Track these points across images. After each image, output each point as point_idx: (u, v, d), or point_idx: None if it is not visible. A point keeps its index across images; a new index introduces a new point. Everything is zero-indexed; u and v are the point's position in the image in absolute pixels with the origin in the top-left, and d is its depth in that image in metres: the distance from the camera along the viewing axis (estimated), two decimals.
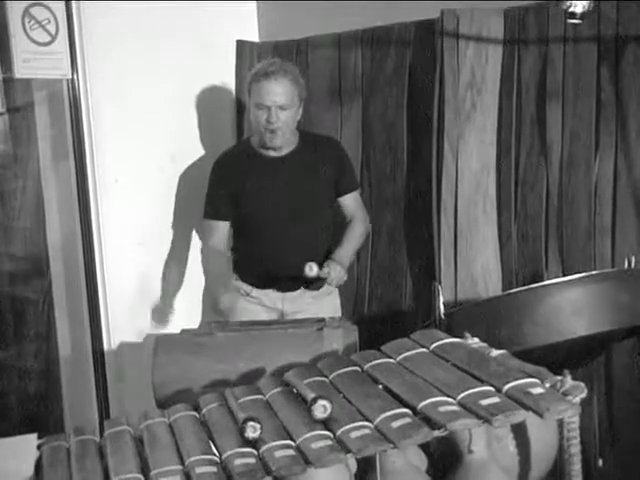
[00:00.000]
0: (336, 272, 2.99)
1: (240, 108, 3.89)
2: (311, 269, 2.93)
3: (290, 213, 3.11)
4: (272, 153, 3.12)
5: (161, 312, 3.67)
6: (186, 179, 3.74)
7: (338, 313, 3.22)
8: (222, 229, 3.21)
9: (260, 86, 2.99)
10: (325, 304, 3.17)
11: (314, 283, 3.11)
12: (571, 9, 2.37)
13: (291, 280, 3.10)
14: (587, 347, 2.56)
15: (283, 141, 3.08)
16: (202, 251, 3.73)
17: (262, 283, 3.18)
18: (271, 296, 3.19)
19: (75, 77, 3.32)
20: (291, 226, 3.11)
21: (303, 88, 3.10)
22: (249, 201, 3.15)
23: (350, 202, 3.24)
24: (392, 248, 3.52)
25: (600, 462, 2.81)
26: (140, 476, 1.64)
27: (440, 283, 3.07)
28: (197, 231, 3.76)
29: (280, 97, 2.99)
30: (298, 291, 3.17)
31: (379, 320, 3.53)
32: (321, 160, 3.16)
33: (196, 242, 3.79)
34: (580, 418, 1.65)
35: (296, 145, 3.16)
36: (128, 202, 3.55)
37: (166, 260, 3.73)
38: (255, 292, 3.20)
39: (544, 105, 3.03)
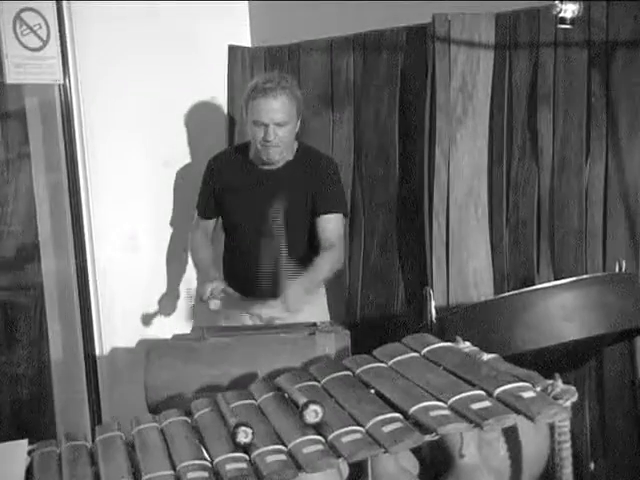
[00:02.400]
0: (290, 295, 2.82)
1: (232, 113, 3.89)
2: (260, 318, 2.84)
3: (266, 224, 3.08)
4: (266, 166, 3.11)
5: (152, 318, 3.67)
6: (179, 183, 3.74)
7: (326, 316, 3.20)
8: (207, 226, 3.24)
9: (257, 103, 2.95)
10: (311, 308, 3.12)
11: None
12: (561, 14, 2.39)
13: (275, 288, 3.03)
14: (578, 351, 2.57)
15: (280, 156, 3.06)
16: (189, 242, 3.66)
17: (247, 290, 3.15)
18: (253, 303, 3.17)
19: (67, 82, 3.32)
20: (267, 236, 3.07)
21: (301, 102, 3.06)
22: (229, 206, 3.14)
23: (326, 225, 3.06)
24: (384, 253, 3.52)
25: (592, 466, 2.81)
26: None
27: (432, 287, 3.08)
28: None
29: (278, 114, 2.95)
30: (280, 298, 3.10)
31: (371, 324, 3.53)
32: (306, 176, 3.10)
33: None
34: (571, 422, 1.66)
35: (291, 159, 3.13)
36: (120, 207, 3.55)
37: (164, 266, 3.73)
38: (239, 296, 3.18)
39: (535, 110, 3.05)
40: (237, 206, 3.14)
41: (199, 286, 3.06)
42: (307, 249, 3.12)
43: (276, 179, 3.10)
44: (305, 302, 2.90)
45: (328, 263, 3.02)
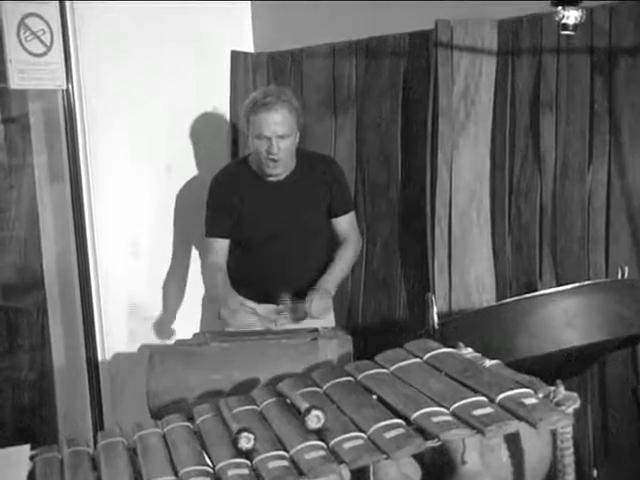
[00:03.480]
0: (316, 305, 2.95)
1: (234, 118, 3.89)
2: (285, 304, 3.00)
3: (286, 236, 3.11)
4: (271, 178, 3.12)
5: (163, 325, 3.67)
6: (182, 190, 3.74)
7: (332, 323, 3.21)
8: (222, 246, 3.20)
9: (259, 118, 2.99)
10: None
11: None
12: (564, 21, 2.39)
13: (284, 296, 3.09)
14: (581, 357, 2.56)
15: (284, 169, 3.09)
16: (201, 267, 3.69)
17: (256, 299, 3.16)
18: (265, 307, 3.19)
19: (70, 88, 3.33)
20: (286, 248, 3.11)
21: (300, 114, 3.11)
22: (246, 223, 3.15)
23: (344, 223, 3.22)
24: (386, 258, 3.52)
25: (594, 473, 2.81)
26: None
27: (434, 293, 3.07)
28: (194, 243, 3.75)
29: (280, 127, 2.99)
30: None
31: (373, 330, 3.53)
32: (316, 182, 3.16)
33: (194, 252, 3.78)
34: (574, 428, 1.66)
35: (294, 168, 3.15)
36: (123, 212, 3.55)
37: (167, 273, 3.73)
38: (249, 302, 3.19)
39: (538, 115, 3.05)
40: (254, 221, 3.14)
41: (222, 308, 3.04)
42: (326, 252, 3.18)
43: (286, 189, 3.13)
44: (329, 307, 3.06)
45: (347, 257, 3.18)
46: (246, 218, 3.15)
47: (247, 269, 3.16)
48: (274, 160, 3.02)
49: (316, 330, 2.58)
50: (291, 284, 3.09)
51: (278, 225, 3.13)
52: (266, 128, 2.98)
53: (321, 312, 2.99)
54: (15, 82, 3.16)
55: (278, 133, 2.99)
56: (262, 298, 3.13)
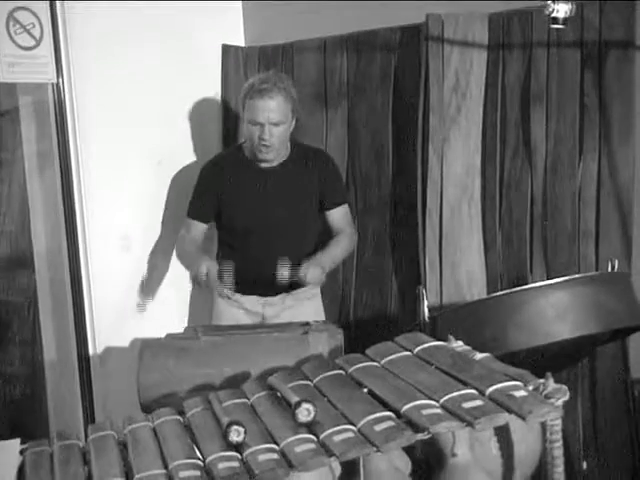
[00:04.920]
0: (312, 272, 2.97)
1: (226, 112, 3.89)
2: (282, 276, 2.95)
3: (274, 223, 3.12)
4: (263, 164, 3.13)
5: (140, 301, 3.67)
6: (173, 183, 3.73)
7: (321, 316, 3.22)
8: (199, 230, 3.22)
9: (253, 103, 3.01)
10: (307, 308, 3.16)
11: (294, 286, 3.10)
12: (554, 14, 2.39)
13: (272, 287, 3.09)
14: (571, 350, 2.58)
15: (276, 155, 3.09)
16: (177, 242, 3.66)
17: (244, 289, 3.17)
18: (252, 300, 3.19)
19: (60, 81, 3.31)
20: (274, 236, 3.12)
21: (296, 102, 3.12)
22: (234, 208, 3.15)
23: (338, 216, 3.23)
24: (378, 252, 3.53)
25: (584, 465, 2.82)
26: None
27: (425, 287, 3.08)
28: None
29: (274, 114, 3.00)
30: (279, 296, 3.17)
31: (365, 324, 3.54)
32: (310, 173, 3.17)
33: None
34: (564, 421, 1.66)
35: (287, 157, 3.17)
36: (114, 206, 3.54)
37: (150, 258, 3.72)
38: (237, 296, 3.20)
39: (528, 109, 3.05)
40: (242, 206, 3.15)
41: (193, 269, 3.04)
42: (314, 246, 3.17)
43: (278, 177, 3.14)
44: (324, 277, 3.03)
45: (341, 244, 3.18)
46: (235, 203, 3.15)
47: (235, 259, 3.16)
48: (266, 146, 3.02)
49: (307, 324, 2.58)
50: (273, 276, 3.03)
51: (267, 211, 3.13)
52: (260, 114, 2.99)
53: (314, 279, 2.99)
54: (4, 76, 3.15)
55: (271, 120, 3.00)
56: (249, 289, 3.14)
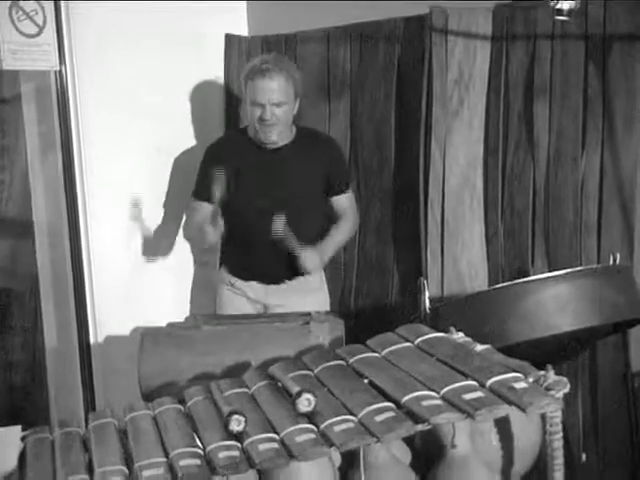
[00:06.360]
0: (310, 258, 3.01)
1: (229, 102, 3.88)
2: (277, 229, 2.98)
3: (278, 206, 3.11)
4: (266, 145, 3.12)
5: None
6: (175, 169, 3.73)
7: (326, 308, 3.22)
8: (205, 211, 3.15)
9: (255, 84, 3.00)
10: (311, 300, 3.15)
11: (296, 273, 3.10)
12: (558, 6, 2.39)
13: (276, 273, 3.09)
14: (572, 343, 2.58)
15: (278, 136, 3.08)
16: (183, 228, 3.65)
17: (247, 275, 3.18)
18: (255, 288, 3.19)
19: (63, 69, 3.31)
20: (280, 217, 3.10)
21: (299, 83, 3.11)
22: (237, 189, 3.12)
23: (343, 203, 3.25)
24: (379, 243, 3.53)
25: (584, 457, 2.82)
26: (124, 468, 1.64)
27: (427, 278, 3.08)
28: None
29: (275, 95, 3.00)
30: (282, 285, 3.17)
31: (366, 314, 3.54)
32: (315, 157, 3.17)
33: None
34: (564, 413, 1.67)
35: (292, 140, 3.16)
36: (116, 193, 3.54)
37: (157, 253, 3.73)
38: (239, 283, 3.20)
39: (531, 101, 3.04)
40: (244, 188, 3.13)
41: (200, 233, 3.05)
42: (320, 230, 3.17)
43: (282, 159, 3.14)
44: (322, 265, 3.10)
45: (343, 231, 3.23)
46: (238, 184, 3.11)
47: (236, 243, 3.16)
48: (267, 126, 3.02)
49: (308, 314, 2.58)
50: (282, 260, 3.07)
51: (268, 193, 3.11)
52: (261, 95, 2.99)
53: (312, 265, 3.03)
54: (7, 63, 3.14)
55: (273, 100, 2.99)
56: (252, 275, 3.14)
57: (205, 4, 3.70)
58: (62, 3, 3.28)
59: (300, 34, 3.69)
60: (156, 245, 3.69)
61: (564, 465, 1.69)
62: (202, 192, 3.16)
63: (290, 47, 3.73)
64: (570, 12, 2.39)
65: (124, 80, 3.49)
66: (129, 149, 3.55)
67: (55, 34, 3.25)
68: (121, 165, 3.54)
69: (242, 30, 3.93)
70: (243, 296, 3.22)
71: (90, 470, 1.68)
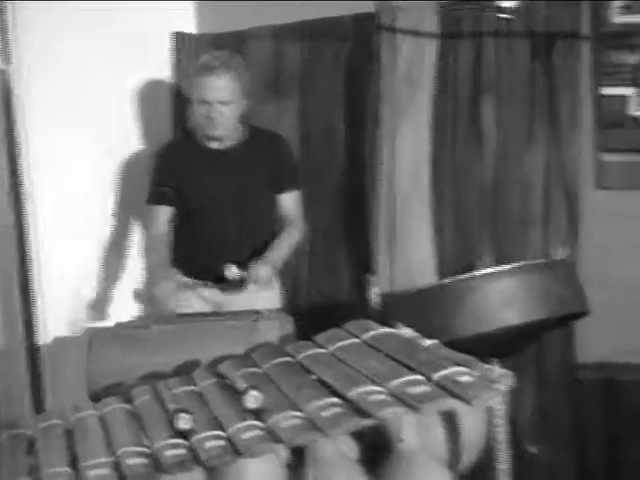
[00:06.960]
0: (260, 271, 2.98)
1: (177, 101, 3.85)
2: (229, 270, 2.95)
3: (229, 206, 3.10)
4: (215, 145, 3.11)
5: (98, 305, 3.63)
6: (124, 171, 3.70)
7: (277, 305, 3.22)
8: (164, 216, 3.14)
9: (201, 81, 2.99)
10: (263, 297, 3.15)
11: (238, 284, 3.10)
12: (501, 5, 2.42)
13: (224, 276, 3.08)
14: (519, 337, 2.61)
15: (223, 132, 3.07)
16: (143, 240, 3.65)
17: (199, 275, 3.16)
18: (208, 287, 3.19)
19: (8, 68, 3.27)
20: (224, 219, 3.11)
21: (247, 82, 3.08)
22: (190, 192, 3.12)
23: (288, 202, 3.20)
24: (330, 240, 3.53)
25: (532, 449, 2.86)
26: (69, 470, 1.63)
27: (377, 274, 3.10)
28: (135, 224, 3.72)
29: (221, 92, 2.98)
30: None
31: (317, 312, 3.54)
32: (263, 155, 3.15)
33: (134, 235, 3.75)
34: (512, 406, 1.69)
35: (241, 138, 3.15)
36: (64, 194, 3.50)
37: (104, 254, 3.68)
38: (192, 283, 3.19)
39: (479, 99, 3.08)
40: (192, 189, 3.11)
41: (153, 284, 3.03)
42: (268, 229, 3.16)
43: (228, 158, 3.12)
44: (271, 279, 3.04)
45: (291, 240, 3.15)
46: (188, 186, 3.11)
47: (188, 243, 3.14)
48: (212, 123, 3.01)
49: (258, 312, 2.58)
50: (231, 257, 3.05)
51: (215, 193, 3.10)
52: (207, 92, 2.98)
53: (264, 280, 2.99)
54: None
55: (219, 98, 2.98)
56: (201, 273, 3.13)
57: (150, 3, 3.67)
58: (7, 3, 3.24)
59: (249, 31, 3.67)
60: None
61: (512, 457, 1.72)
62: (159, 196, 3.15)
63: (239, 44, 3.70)
64: (512, 10, 2.42)
65: (71, 80, 3.44)
66: (77, 150, 3.50)
67: (0, 34, 3.21)
68: (70, 166, 3.50)
69: (189, 28, 3.90)
70: (197, 296, 3.21)
71: (37, 472, 1.67)
